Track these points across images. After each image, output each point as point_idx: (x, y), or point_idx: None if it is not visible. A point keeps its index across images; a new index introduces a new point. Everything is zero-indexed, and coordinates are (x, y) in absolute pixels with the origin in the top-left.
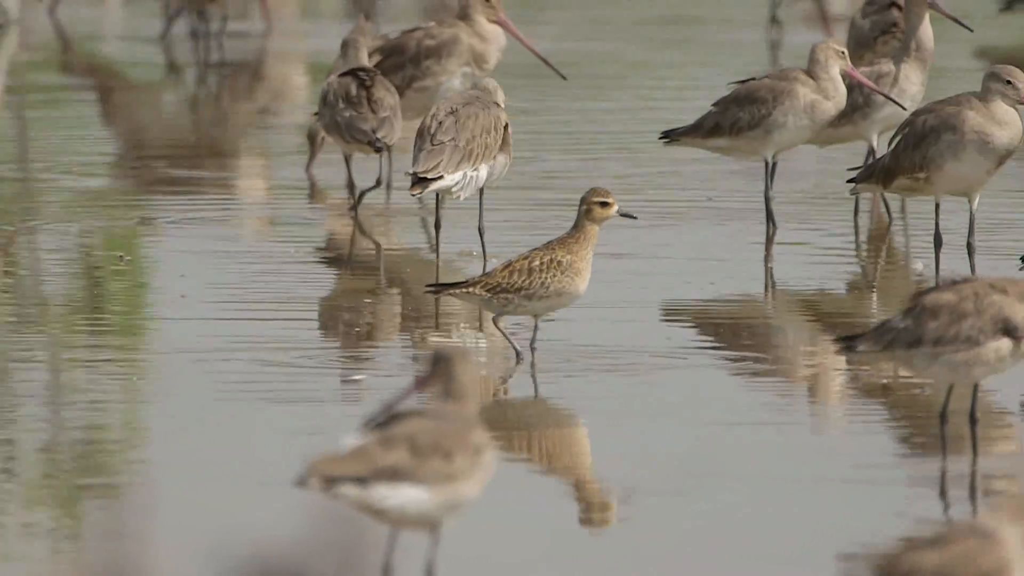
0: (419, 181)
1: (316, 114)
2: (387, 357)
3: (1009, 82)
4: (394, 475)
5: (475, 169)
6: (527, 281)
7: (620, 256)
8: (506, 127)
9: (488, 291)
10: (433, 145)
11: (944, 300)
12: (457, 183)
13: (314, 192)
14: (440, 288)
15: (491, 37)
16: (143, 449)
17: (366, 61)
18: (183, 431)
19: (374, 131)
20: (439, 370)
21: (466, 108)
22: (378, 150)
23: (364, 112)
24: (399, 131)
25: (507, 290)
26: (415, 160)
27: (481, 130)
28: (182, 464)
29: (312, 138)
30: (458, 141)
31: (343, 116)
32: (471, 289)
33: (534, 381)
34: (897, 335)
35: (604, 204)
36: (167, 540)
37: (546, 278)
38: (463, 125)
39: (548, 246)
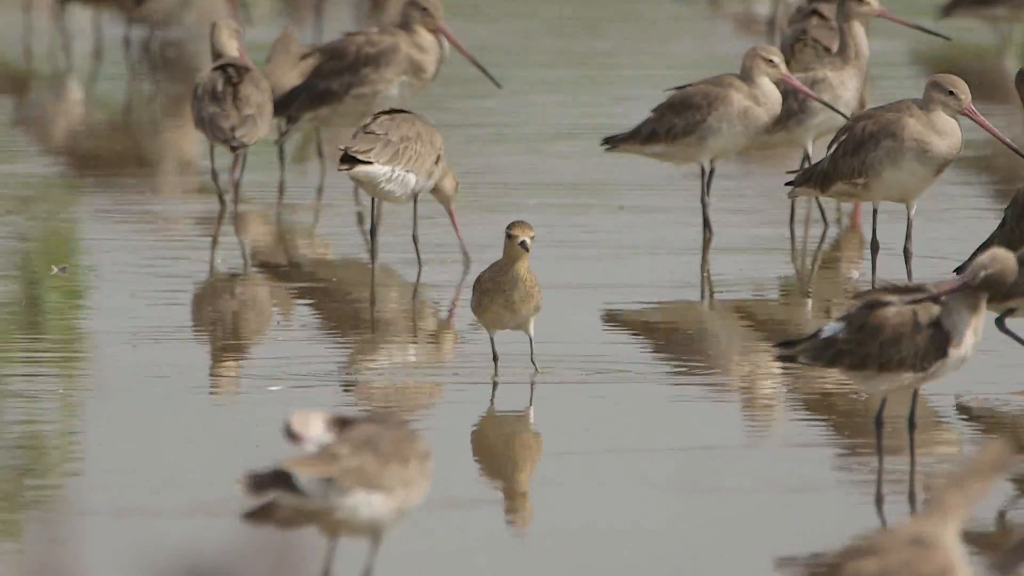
0: (349, 159)
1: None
2: (312, 366)
3: (951, 92)
4: (359, 479)
5: (405, 171)
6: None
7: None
8: (439, 147)
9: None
10: (366, 132)
11: (889, 319)
12: (384, 174)
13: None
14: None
15: (429, 47)
16: (76, 455)
17: (235, 52)
18: (116, 438)
19: (233, 129)
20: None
21: (404, 114)
22: (234, 149)
23: (227, 109)
24: (264, 130)
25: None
26: (351, 140)
27: (416, 135)
28: (115, 470)
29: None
30: (391, 137)
31: (207, 112)
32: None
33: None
34: (840, 352)
35: (509, 236)
36: (100, 547)
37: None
38: (398, 125)
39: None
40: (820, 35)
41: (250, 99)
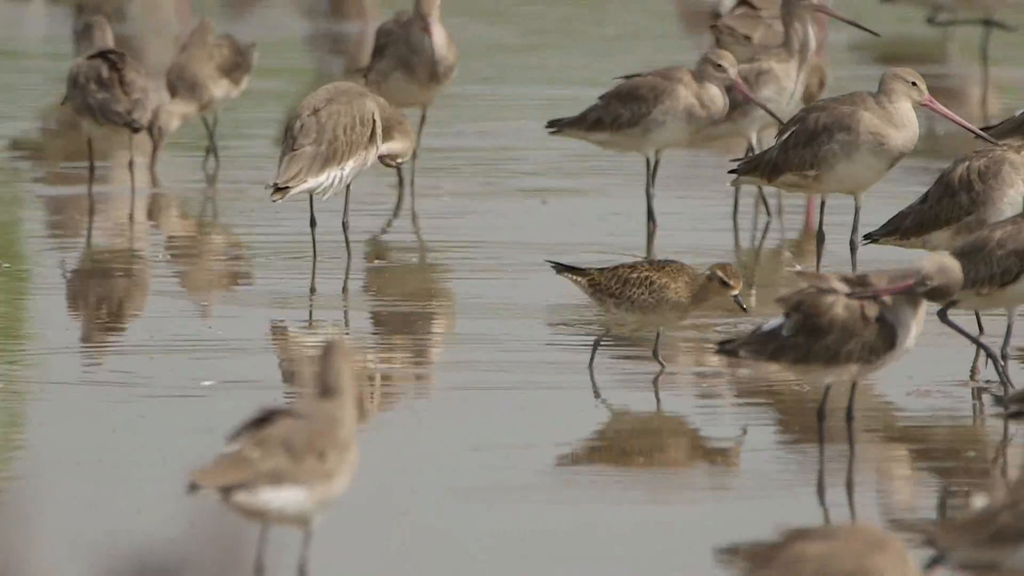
0: (280, 189)
1: (64, 99)
2: (244, 360)
3: (914, 83)
4: (275, 479)
5: (341, 168)
6: (620, 290)
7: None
8: (374, 120)
9: (591, 286)
10: (294, 150)
11: (836, 316)
12: (321, 185)
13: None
14: (560, 267)
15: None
16: (20, 447)
17: (111, 43)
18: (60, 431)
19: (129, 112)
20: (321, 363)
21: (329, 107)
22: (136, 130)
23: (116, 94)
24: (150, 112)
25: (603, 291)
26: (278, 166)
27: (344, 128)
28: (58, 463)
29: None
30: (320, 143)
31: (95, 98)
32: (578, 278)
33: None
34: (782, 347)
35: (724, 284)
36: (43, 539)
37: (635, 293)
38: (324, 126)
39: (659, 265)
40: (736, 23)
41: (135, 83)
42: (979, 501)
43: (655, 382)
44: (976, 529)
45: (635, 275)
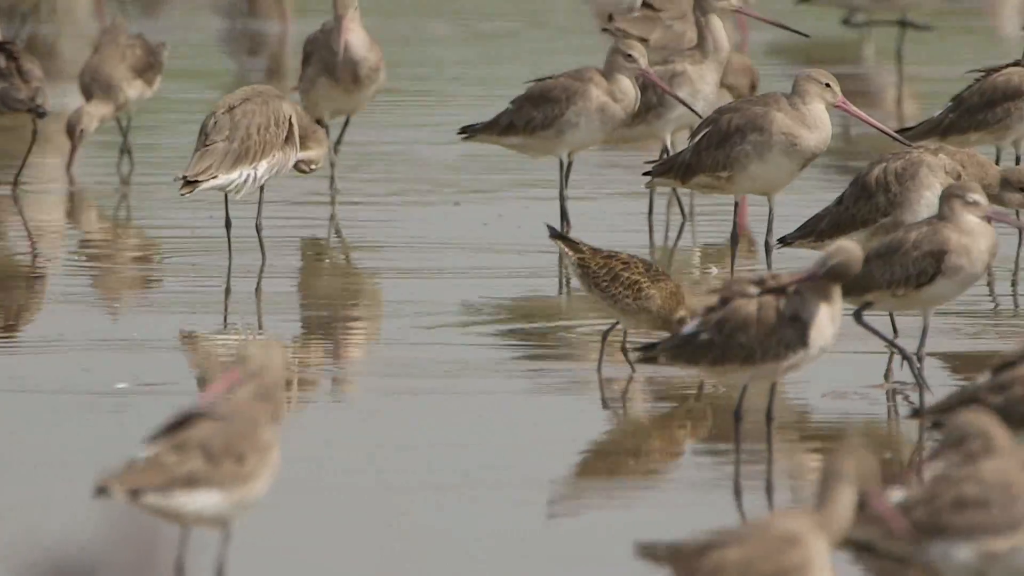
0: (189, 183)
1: None
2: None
3: (828, 85)
4: (191, 482)
5: (254, 167)
6: (607, 285)
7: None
8: (290, 122)
9: (580, 266)
10: (206, 146)
11: (750, 315)
12: (232, 182)
13: (74, 192)
14: (558, 235)
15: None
16: None
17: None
18: None
19: (31, 99)
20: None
21: (244, 105)
22: (40, 116)
23: (16, 82)
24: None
25: (589, 276)
26: (189, 161)
27: (258, 127)
28: None
29: (71, 132)
30: (233, 140)
31: None
32: (571, 253)
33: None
34: (700, 349)
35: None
36: None
37: (619, 292)
38: (238, 124)
39: (649, 268)
40: (629, 25)
41: (33, 72)
42: (895, 495)
43: (628, 384)
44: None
45: (627, 275)
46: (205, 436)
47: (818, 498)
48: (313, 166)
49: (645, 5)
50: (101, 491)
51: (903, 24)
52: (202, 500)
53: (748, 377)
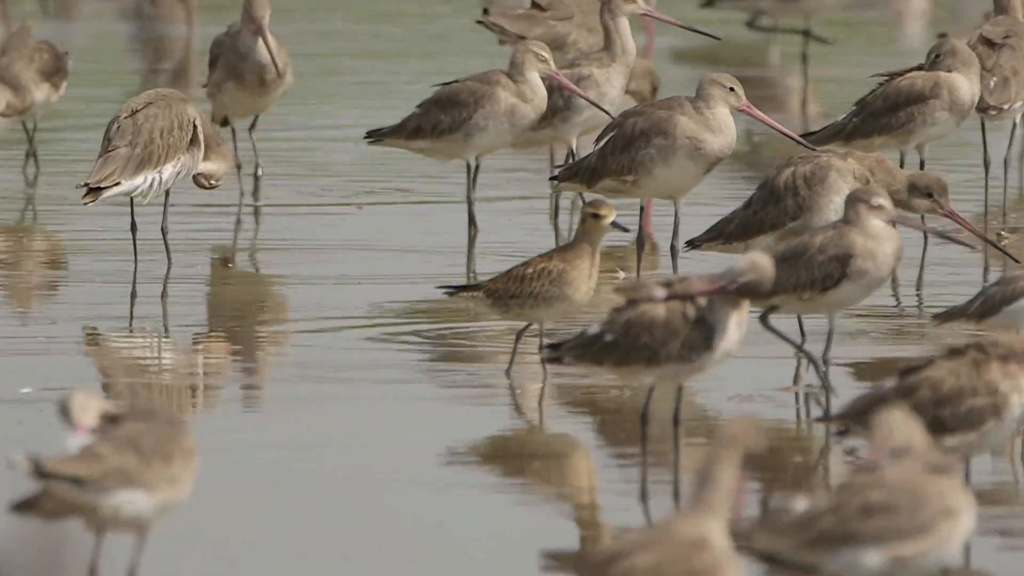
0: (92, 190)
1: None
2: (63, 366)
3: (731, 89)
4: (121, 478)
5: (158, 171)
6: (519, 288)
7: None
8: (195, 125)
9: (488, 296)
10: (109, 151)
11: (656, 316)
12: (137, 187)
13: None
14: (453, 290)
15: (247, 50)
16: None
17: None
18: None
19: None
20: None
21: (147, 109)
22: None
23: None
24: None
25: (504, 296)
26: (92, 168)
27: (161, 131)
28: None
29: None
30: (136, 145)
31: None
32: (475, 294)
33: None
34: (605, 349)
35: (596, 216)
36: None
37: (536, 286)
38: (140, 128)
39: (549, 254)
40: (508, 22)
41: None
42: (800, 504)
43: (536, 386)
44: (797, 532)
45: (530, 270)
46: (136, 433)
47: (699, 489)
48: (214, 181)
49: (535, 5)
50: (39, 474)
51: (806, 34)
52: (129, 498)
53: (653, 379)
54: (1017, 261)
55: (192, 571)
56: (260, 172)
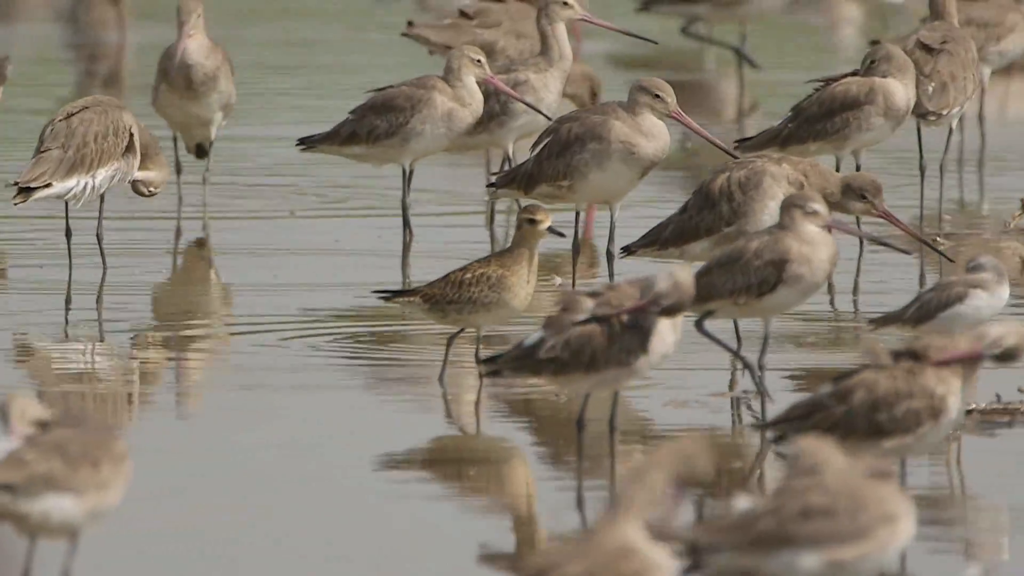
0: (23, 190)
1: None
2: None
3: (658, 95)
4: (47, 483)
5: (92, 175)
6: (457, 294)
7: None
8: (131, 132)
9: (425, 301)
10: (41, 153)
11: (594, 328)
12: (69, 190)
13: None
14: (389, 295)
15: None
16: None
17: None
18: None
19: None
20: None
21: (82, 113)
22: None
23: None
24: None
25: (441, 301)
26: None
27: (95, 136)
28: None
29: None
30: (68, 148)
31: None
32: (411, 299)
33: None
34: (543, 360)
35: (532, 221)
36: None
37: (474, 292)
38: (74, 131)
39: (487, 259)
40: (431, 33)
41: None
42: (740, 504)
43: (471, 391)
44: (736, 532)
45: (468, 275)
46: (64, 439)
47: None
48: (153, 189)
49: (462, 14)
50: None
51: (738, 53)
52: (56, 504)
53: (591, 385)
54: (951, 260)
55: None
56: (208, 178)
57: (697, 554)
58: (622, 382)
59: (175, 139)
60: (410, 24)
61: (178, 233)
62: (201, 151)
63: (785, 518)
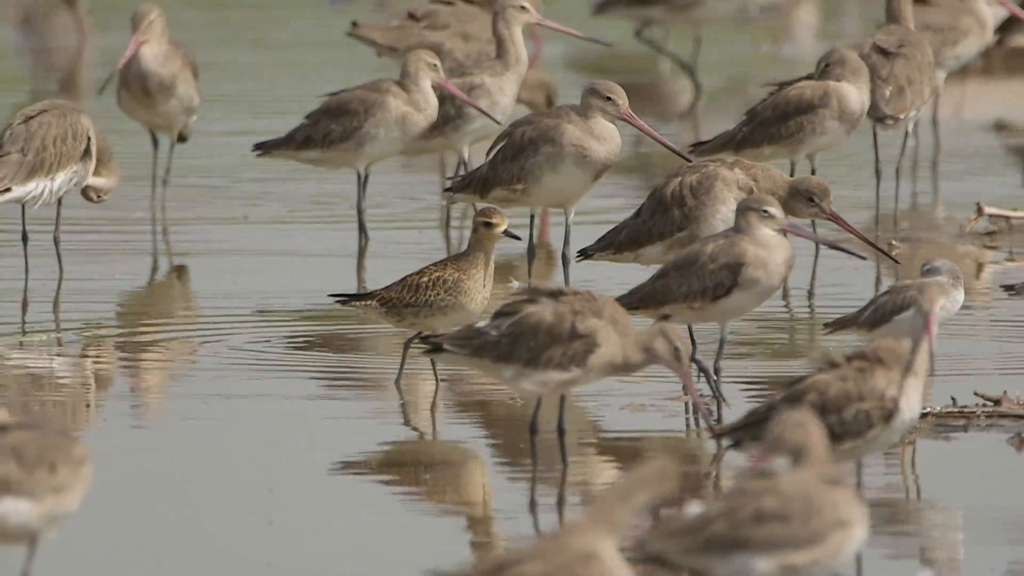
0: None
1: None
2: None
3: (609, 98)
4: (2, 487)
5: (51, 179)
6: (414, 297)
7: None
8: (89, 137)
9: (382, 305)
10: (0, 156)
11: (543, 320)
12: (28, 193)
13: None
14: (346, 299)
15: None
16: None
17: None
18: None
19: None
20: None
21: (41, 116)
22: None
23: None
24: None
25: (398, 305)
26: None
27: (54, 139)
28: None
29: None
30: (27, 152)
31: None
32: (368, 303)
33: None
34: (486, 343)
35: (488, 224)
36: None
37: (431, 295)
38: (33, 135)
39: (443, 262)
40: (377, 35)
41: None
42: (693, 507)
43: (427, 394)
44: (689, 535)
45: (425, 279)
46: (19, 442)
47: (605, 503)
48: (103, 195)
49: (410, 16)
50: None
51: (687, 69)
52: (13, 508)
53: (532, 384)
54: (897, 262)
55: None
56: (167, 180)
57: (649, 557)
58: (567, 388)
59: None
60: (355, 25)
61: (134, 236)
62: (182, 138)
63: (738, 522)
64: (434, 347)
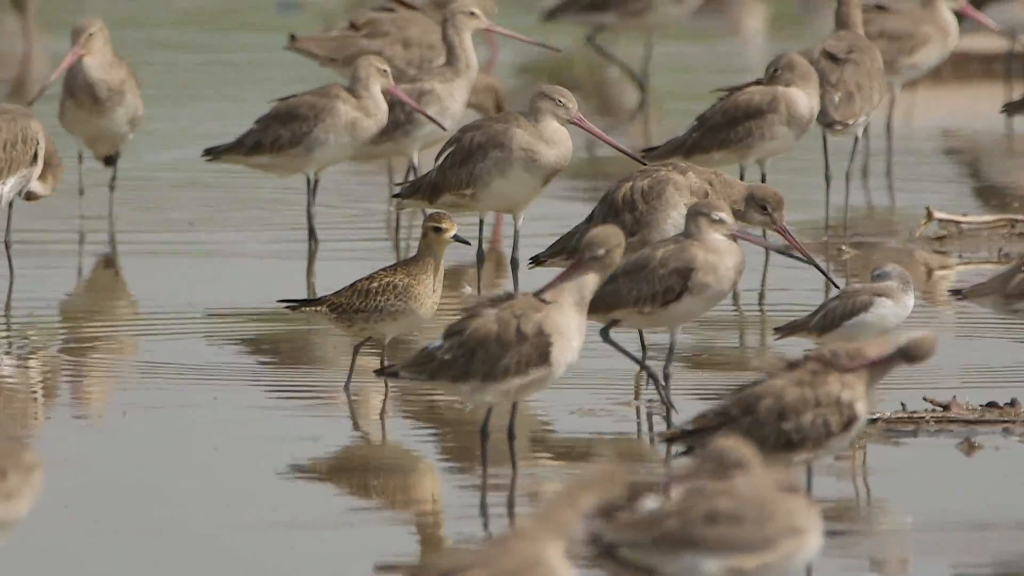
0: None
1: None
2: None
3: (560, 102)
4: None
5: (2, 183)
6: (364, 303)
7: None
8: (38, 141)
9: (332, 311)
10: None
11: (489, 330)
12: None
13: None
14: (295, 304)
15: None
16: None
17: None
18: None
19: None
20: None
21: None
22: None
23: None
24: None
25: (348, 311)
26: None
27: (4, 144)
28: None
29: None
30: None
31: None
32: (317, 308)
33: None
34: (441, 365)
35: (438, 229)
36: None
37: (381, 301)
38: None
39: (393, 268)
40: (315, 45)
41: None
42: (648, 503)
43: (375, 399)
44: (641, 530)
45: (375, 284)
46: None
47: (550, 509)
48: (40, 196)
49: (352, 25)
50: None
51: (636, 80)
52: None
53: (491, 395)
54: (837, 287)
55: None
56: (113, 187)
57: (602, 548)
58: (523, 395)
59: (80, 155)
60: (293, 39)
61: (83, 240)
62: (109, 160)
63: (691, 520)
64: (390, 373)
